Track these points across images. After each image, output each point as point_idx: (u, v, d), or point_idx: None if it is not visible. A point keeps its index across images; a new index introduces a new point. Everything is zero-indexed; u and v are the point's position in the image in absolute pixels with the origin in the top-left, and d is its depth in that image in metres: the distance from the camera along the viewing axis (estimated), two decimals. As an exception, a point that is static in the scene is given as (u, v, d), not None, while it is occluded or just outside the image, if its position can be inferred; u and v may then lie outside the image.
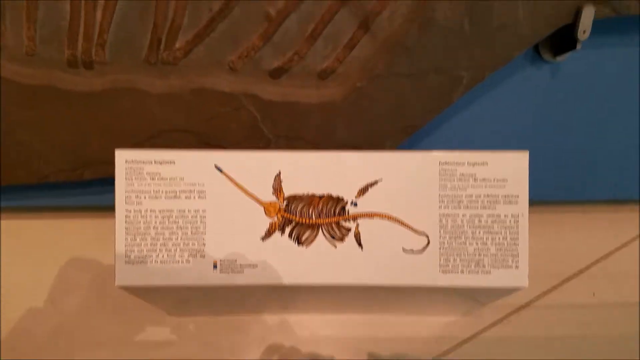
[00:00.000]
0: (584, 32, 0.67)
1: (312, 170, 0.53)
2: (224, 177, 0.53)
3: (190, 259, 0.53)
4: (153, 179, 0.53)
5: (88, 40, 0.63)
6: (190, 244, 0.53)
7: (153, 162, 0.53)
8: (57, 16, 0.63)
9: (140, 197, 0.53)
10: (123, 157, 0.53)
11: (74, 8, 0.62)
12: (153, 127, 0.67)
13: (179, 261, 0.52)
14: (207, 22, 0.63)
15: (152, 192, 0.53)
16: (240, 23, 0.63)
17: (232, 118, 0.66)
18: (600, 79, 0.74)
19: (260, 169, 0.53)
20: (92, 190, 0.73)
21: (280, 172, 0.53)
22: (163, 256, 0.52)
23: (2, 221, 0.77)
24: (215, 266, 0.53)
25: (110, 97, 0.65)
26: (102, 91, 0.65)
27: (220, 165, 0.53)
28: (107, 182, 0.68)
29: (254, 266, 0.53)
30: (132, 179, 0.53)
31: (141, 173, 0.53)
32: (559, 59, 0.73)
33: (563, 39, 0.70)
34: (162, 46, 0.64)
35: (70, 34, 0.63)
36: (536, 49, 0.73)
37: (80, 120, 0.66)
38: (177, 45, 0.64)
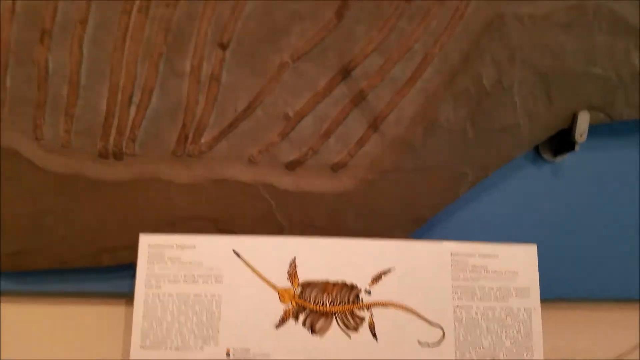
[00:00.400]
0: (581, 135, 0.68)
1: (327, 256, 0.52)
2: (241, 261, 0.52)
3: (204, 346, 0.50)
4: (173, 263, 0.52)
5: (120, 134, 0.65)
6: (205, 330, 0.50)
7: (174, 247, 0.52)
8: (94, 112, 0.65)
9: (160, 281, 0.51)
10: (147, 242, 0.52)
11: (110, 105, 0.64)
12: (173, 215, 0.67)
13: (192, 348, 0.50)
14: (232, 121, 0.65)
15: (171, 276, 0.51)
16: (262, 122, 0.65)
17: (248, 205, 0.66)
18: (599, 179, 0.75)
19: (276, 254, 0.52)
20: (103, 277, 0.70)
21: (295, 258, 0.52)
22: (177, 342, 0.50)
23: (2, 304, 0.74)
24: (227, 354, 0.50)
25: (135, 186, 0.66)
26: (128, 181, 0.66)
27: (238, 250, 0.52)
28: (120, 269, 0.67)
29: (267, 355, 0.50)
30: (153, 263, 0.52)
31: (162, 257, 0.52)
32: (559, 159, 0.74)
33: (562, 141, 0.71)
34: (189, 141, 0.65)
35: (104, 127, 0.65)
36: (537, 149, 0.74)
37: (105, 208, 0.66)
38: (203, 140, 0.66)
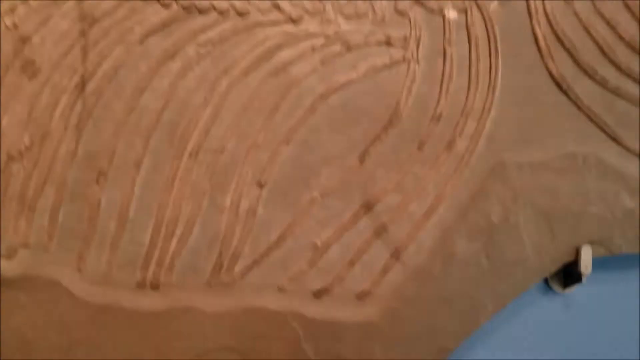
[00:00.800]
0: (586, 267, 0.71)
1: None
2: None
3: None
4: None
5: (160, 265, 0.69)
6: None
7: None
8: (137, 245, 0.69)
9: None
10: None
11: (153, 238, 0.69)
12: (202, 346, 0.68)
13: None
14: (264, 250, 0.69)
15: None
16: (292, 251, 0.69)
17: (276, 335, 0.67)
18: (606, 310, 0.77)
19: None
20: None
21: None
22: None
23: None
24: None
25: (168, 316, 0.68)
26: (162, 311, 0.68)
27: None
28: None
29: None
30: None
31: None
32: (568, 290, 0.77)
33: (570, 273, 0.74)
34: (223, 269, 0.69)
35: (145, 259, 0.68)
36: (547, 281, 0.77)
37: (137, 338, 0.67)
38: (237, 269, 0.69)
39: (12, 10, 0.71)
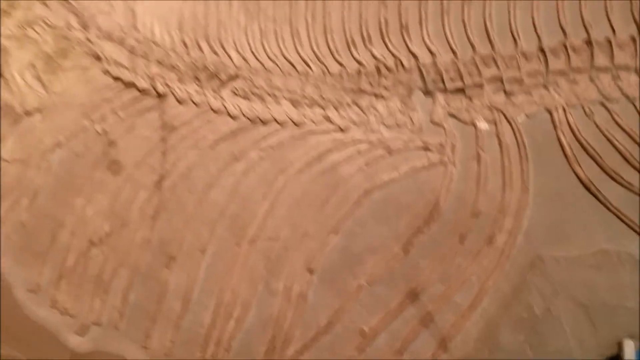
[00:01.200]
0: (631, 362, 0.71)
1: None
2: None
3: None
4: None
5: (218, 345, 0.72)
6: None
7: None
8: (198, 325, 0.73)
9: None
10: None
11: (214, 320, 0.73)
12: None
13: None
14: (314, 335, 0.72)
15: None
16: (340, 336, 0.72)
17: None
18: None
19: None
20: None
21: None
22: None
23: None
24: None
25: (223, 396, 0.70)
26: (217, 390, 0.71)
27: None
28: None
29: None
30: None
31: None
32: (615, 387, 0.75)
33: (615, 368, 0.74)
34: (276, 352, 0.72)
35: (205, 339, 0.72)
36: (593, 376, 0.77)
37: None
38: (288, 352, 0.72)
39: (103, 118, 0.84)
